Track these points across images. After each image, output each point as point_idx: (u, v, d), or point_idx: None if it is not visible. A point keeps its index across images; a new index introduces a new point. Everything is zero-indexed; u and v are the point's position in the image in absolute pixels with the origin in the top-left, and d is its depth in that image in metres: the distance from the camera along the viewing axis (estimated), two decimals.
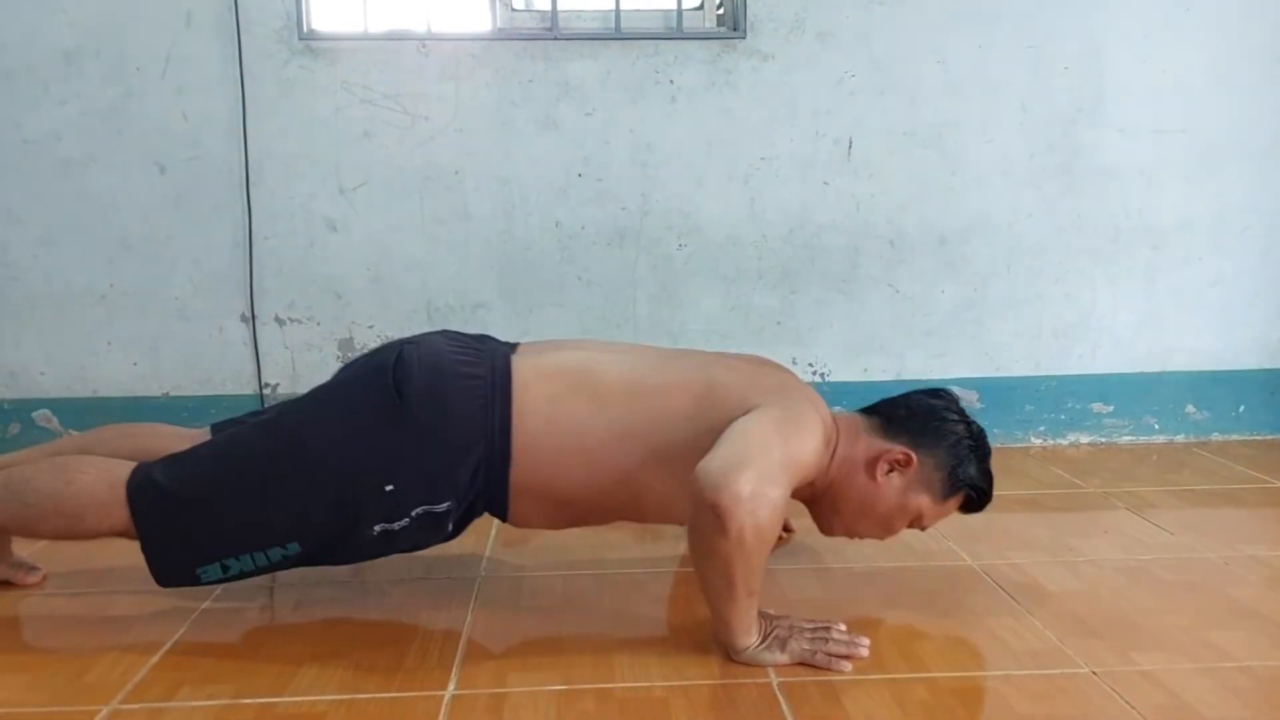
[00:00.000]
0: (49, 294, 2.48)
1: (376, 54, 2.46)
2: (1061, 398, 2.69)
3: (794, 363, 2.61)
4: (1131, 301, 2.67)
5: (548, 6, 2.50)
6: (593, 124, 2.51)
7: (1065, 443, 2.70)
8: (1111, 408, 2.70)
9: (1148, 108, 2.60)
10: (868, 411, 1.67)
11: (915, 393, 1.68)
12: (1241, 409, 2.73)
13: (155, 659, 1.47)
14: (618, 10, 2.48)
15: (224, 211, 2.48)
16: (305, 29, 2.44)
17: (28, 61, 2.41)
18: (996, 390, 2.66)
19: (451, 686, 1.38)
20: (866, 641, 1.46)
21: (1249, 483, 2.33)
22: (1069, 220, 2.63)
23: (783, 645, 1.43)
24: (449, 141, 2.50)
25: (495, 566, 1.84)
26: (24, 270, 2.47)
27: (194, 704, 1.34)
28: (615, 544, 1.95)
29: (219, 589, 1.70)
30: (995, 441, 2.60)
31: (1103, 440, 2.71)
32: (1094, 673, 1.41)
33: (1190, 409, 2.72)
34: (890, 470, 1.57)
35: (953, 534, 1.97)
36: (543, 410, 1.53)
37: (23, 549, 1.82)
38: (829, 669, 1.41)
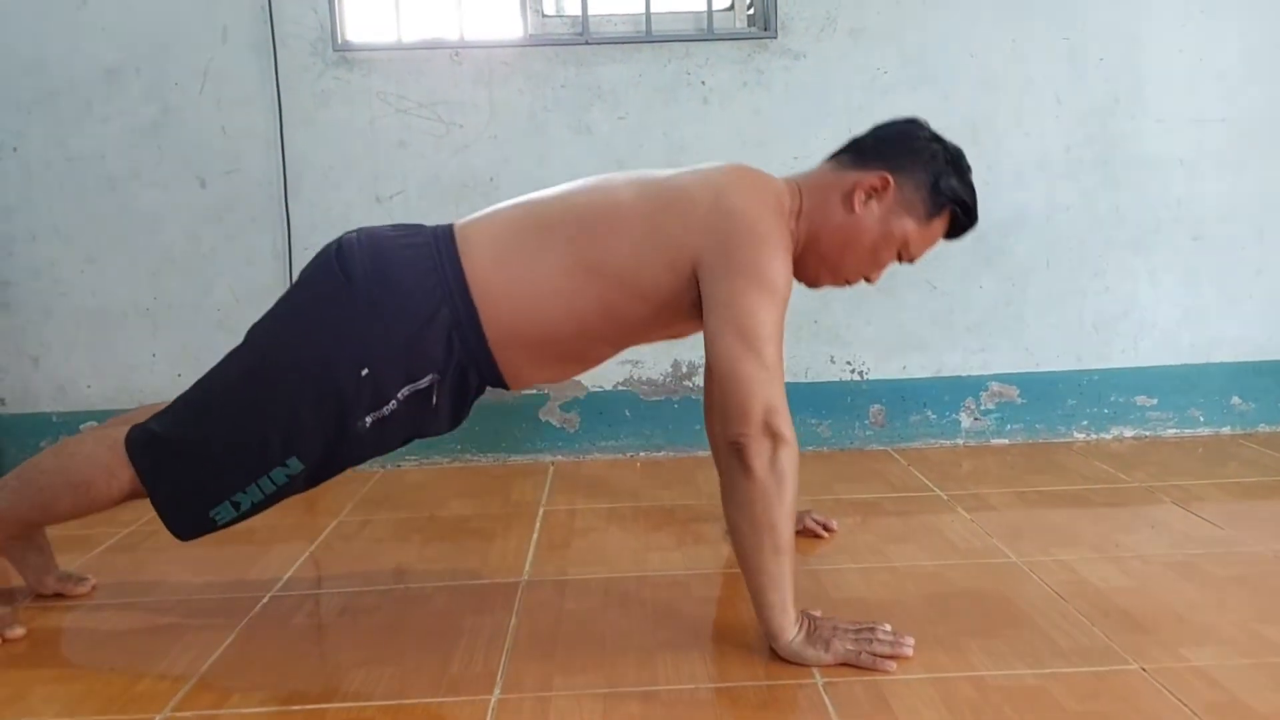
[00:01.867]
0: (95, 308, 2.53)
1: (410, 63, 2.49)
2: (1104, 391, 2.66)
3: (832, 361, 2.61)
4: (1173, 293, 2.64)
5: (578, 12, 2.51)
6: (626, 127, 2.52)
7: (1109, 437, 2.67)
8: (1155, 400, 2.67)
9: (1186, 97, 2.57)
10: (835, 153, 1.65)
11: (882, 123, 1.65)
12: None
13: (205, 667, 1.49)
14: (648, 13, 2.49)
15: (263, 223, 2.51)
16: (339, 41, 2.46)
17: (70, 80, 2.45)
18: (1038, 385, 2.64)
19: (497, 691, 1.39)
20: (911, 641, 1.45)
21: None
22: (1108, 212, 2.60)
23: (827, 645, 1.42)
24: (483, 148, 2.51)
25: (537, 570, 1.85)
26: (71, 286, 2.51)
27: (245, 711, 1.36)
28: (657, 546, 1.96)
29: (266, 597, 1.72)
30: (1038, 437, 2.63)
31: (1147, 434, 2.68)
32: (1144, 669, 1.39)
33: (1236, 400, 2.68)
34: (868, 198, 1.55)
35: (996, 531, 1.96)
36: (491, 256, 1.52)
37: (71, 561, 1.85)
38: (874, 669, 1.41)
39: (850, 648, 1.42)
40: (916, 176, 1.56)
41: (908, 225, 1.57)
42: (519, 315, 1.52)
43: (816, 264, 1.63)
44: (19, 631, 1.60)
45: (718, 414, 1.47)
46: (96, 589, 1.80)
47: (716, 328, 1.45)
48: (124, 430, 1.55)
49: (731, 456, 1.43)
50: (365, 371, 1.47)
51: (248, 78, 2.47)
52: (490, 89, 2.50)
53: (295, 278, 1.64)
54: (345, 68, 2.48)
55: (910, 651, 1.44)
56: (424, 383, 1.50)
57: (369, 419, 1.50)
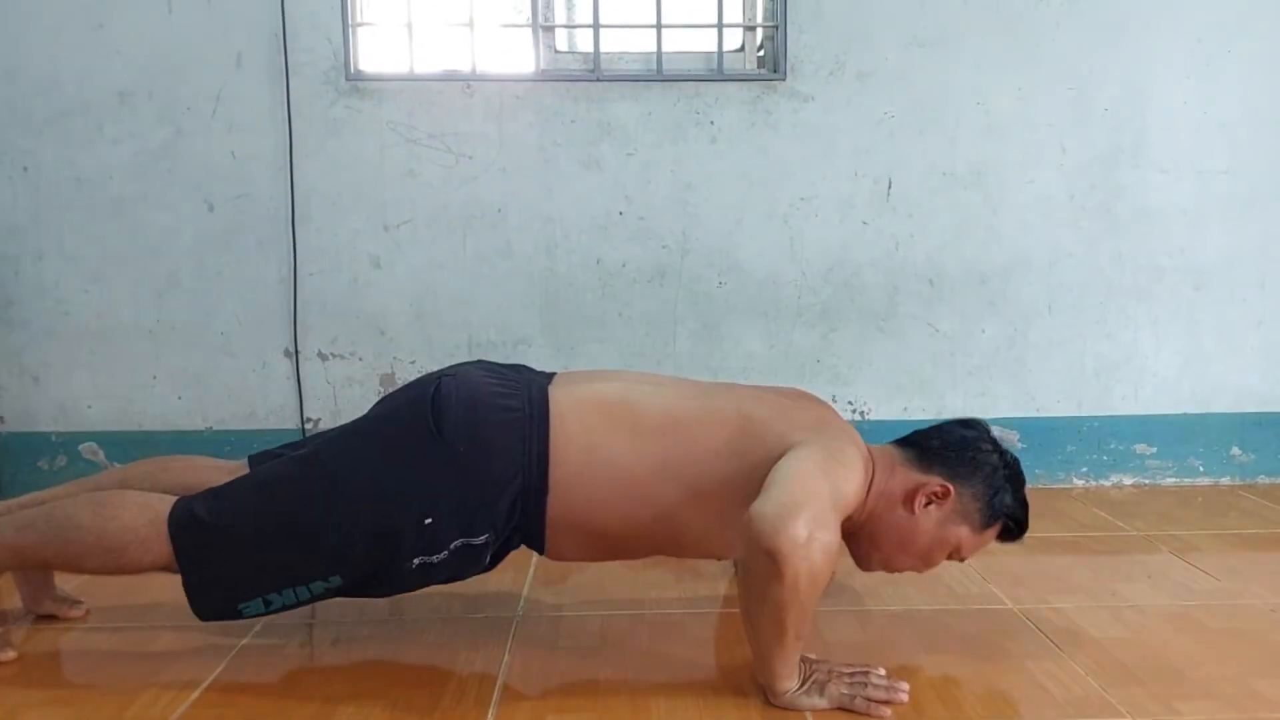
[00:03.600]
0: (98, 329, 2.53)
1: (422, 94, 2.50)
2: (1104, 438, 2.66)
3: (834, 400, 2.61)
4: (1175, 342, 2.65)
5: (590, 49, 2.54)
6: (634, 163, 2.54)
7: (1108, 484, 2.67)
8: (1155, 449, 2.67)
9: (1190, 148, 2.59)
10: (900, 443, 1.67)
11: (948, 423, 1.68)
12: None
13: (195, 695, 1.48)
14: (659, 52, 2.51)
15: (270, 248, 2.52)
16: (352, 70, 2.48)
17: (83, 101, 2.47)
18: (1038, 430, 2.64)
19: None
20: (906, 686, 1.45)
21: None
22: (1110, 260, 2.62)
23: (821, 690, 1.42)
24: (492, 180, 2.53)
25: (533, 605, 1.84)
26: (75, 306, 2.52)
27: None
28: (654, 583, 1.95)
29: (259, 624, 1.72)
30: (1036, 482, 2.62)
31: (1146, 482, 2.68)
32: None
33: (1236, 451, 2.68)
34: (929, 503, 1.56)
35: (993, 576, 1.96)
36: (580, 442, 1.53)
37: (66, 583, 1.85)
38: (868, 714, 1.40)
39: (845, 692, 1.42)
40: (975, 488, 1.58)
41: (963, 532, 1.59)
42: (590, 504, 1.54)
43: (869, 547, 1.63)
44: (10, 654, 1.60)
45: (759, 499, 1.39)
46: (90, 612, 1.80)
47: (796, 450, 1.48)
48: (167, 505, 1.52)
49: (760, 558, 1.33)
50: (429, 521, 1.48)
51: (260, 104, 2.49)
52: (500, 122, 2.52)
53: (376, 404, 1.67)
54: (357, 97, 2.50)
55: (905, 697, 1.43)
56: (479, 540, 1.51)
57: (417, 561, 1.50)
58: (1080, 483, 2.67)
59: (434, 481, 1.49)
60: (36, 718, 1.42)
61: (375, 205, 2.52)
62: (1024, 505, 1.61)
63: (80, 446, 2.54)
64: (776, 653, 1.40)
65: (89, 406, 2.55)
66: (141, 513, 1.52)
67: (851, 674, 1.45)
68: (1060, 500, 2.53)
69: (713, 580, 1.96)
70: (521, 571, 2.01)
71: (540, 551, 1.61)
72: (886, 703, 1.42)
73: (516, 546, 1.60)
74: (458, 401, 1.52)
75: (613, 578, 1.98)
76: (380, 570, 1.51)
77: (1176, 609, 1.80)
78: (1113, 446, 2.66)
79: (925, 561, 1.62)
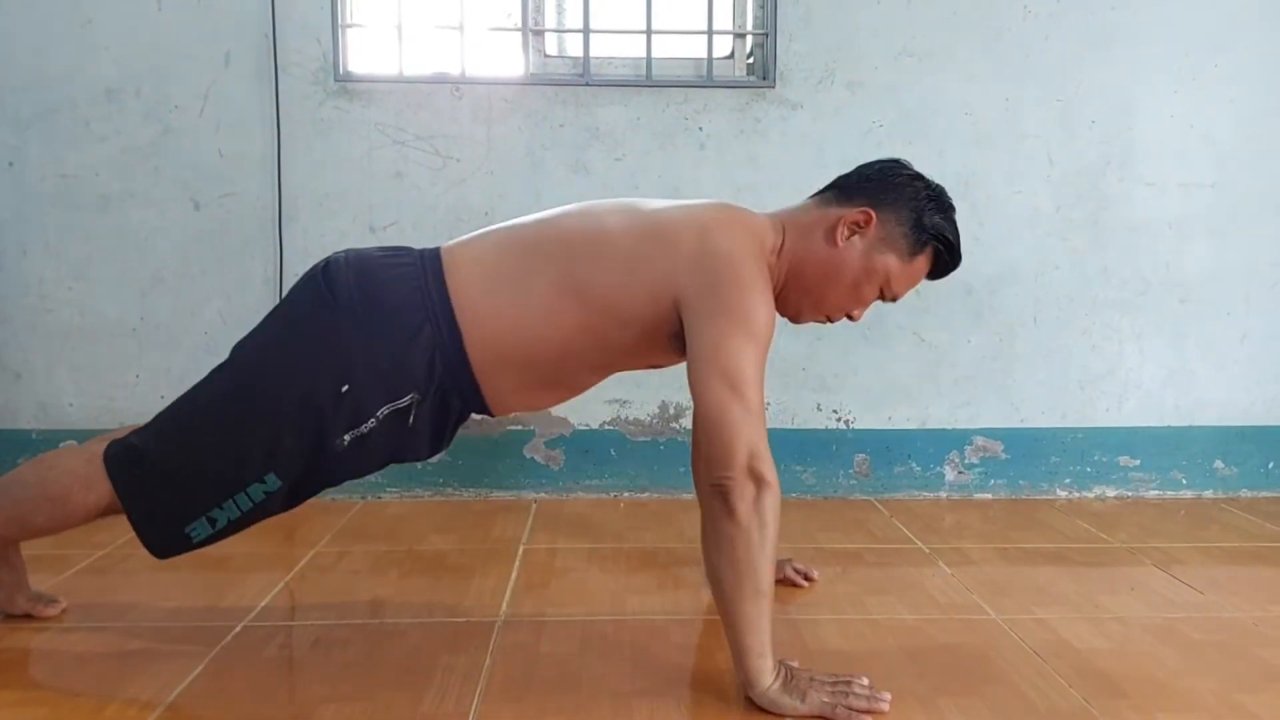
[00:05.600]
0: (81, 326, 2.51)
1: (410, 96, 2.50)
2: (1088, 450, 2.67)
3: (819, 409, 2.61)
4: (1159, 355, 2.66)
5: (580, 53, 2.53)
6: (622, 168, 2.53)
7: (1091, 496, 2.68)
8: (1138, 461, 2.68)
9: (1176, 161, 2.60)
10: (818, 192, 1.66)
11: (865, 163, 1.67)
12: (1271, 465, 2.70)
13: (172, 698, 1.47)
14: (649, 58, 2.51)
15: (256, 248, 2.51)
16: (341, 71, 2.48)
17: (70, 98, 2.46)
18: (1022, 441, 2.64)
19: None
20: (888, 696, 1.44)
21: (1279, 541, 2.30)
22: (1096, 272, 2.62)
23: (803, 695, 1.41)
24: (480, 183, 2.52)
25: (515, 609, 1.83)
26: (58, 303, 2.51)
27: None
28: (637, 589, 1.94)
29: (238, 626, 1.70)
30: (1021, 493, 2.63)
31: (1129, 494, 2.69)
32: None
33: (1219, 464, 2.69)
34: (851, 234, 1.56)
35: (976, 587, 1.95)
36: (476, 280, 1.53)
37: (42, 581, 1.83)
38: None
39: (826, 700, 1.41)
40: (899, 213, 1.57)
41: (890, 261, 1.58)
42: (503, 336, 1.53)
43: (799, 298, 1.64)
44: None
45: (701, 455, 1.46)
46: (67, 611, 1.78)
47: (701, 372, 1.45)
48: (103, 445, 1.55)
49: (713, 498, 1.41)
50: (345, 388, 1.48)
51: (248, 103, 2.48)
52: (489, 125, 2.51)
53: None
54: (345, 98, 2.49)
55: (886, 706, 1.43)
56: (403, 402, 1.51)
57: (348, 437, 1.50)
58: (1064, 494, 2.68)
59: (341, 348, 1.49)
60: (9, 718, 1.40)
61: (362, 207, 2.51)
62: (953, 226, 1.60)
63: (61, 445, 2.52)
64: (745, 610, 1.40)
65: (70, 404, 2.53)
66: (78, 454, 1.56)
67: (833, 683, 1.44)
68: (1043, 511, 2.53)
69: (695, 587, 1.95)
70: (503, 577, 2.00)
71: (483, 409, 1.60)
72: (868, 712, 1.41)
73: (458, 412, 1.59)
74: (347, 268, 1.54)
75: (595, 583, 1.97)
76: (313, 455, 1.51)
77: (1159, 621, 1.80)
78: (1096, 458, 2.67)
79: (855, 297, 1.62)
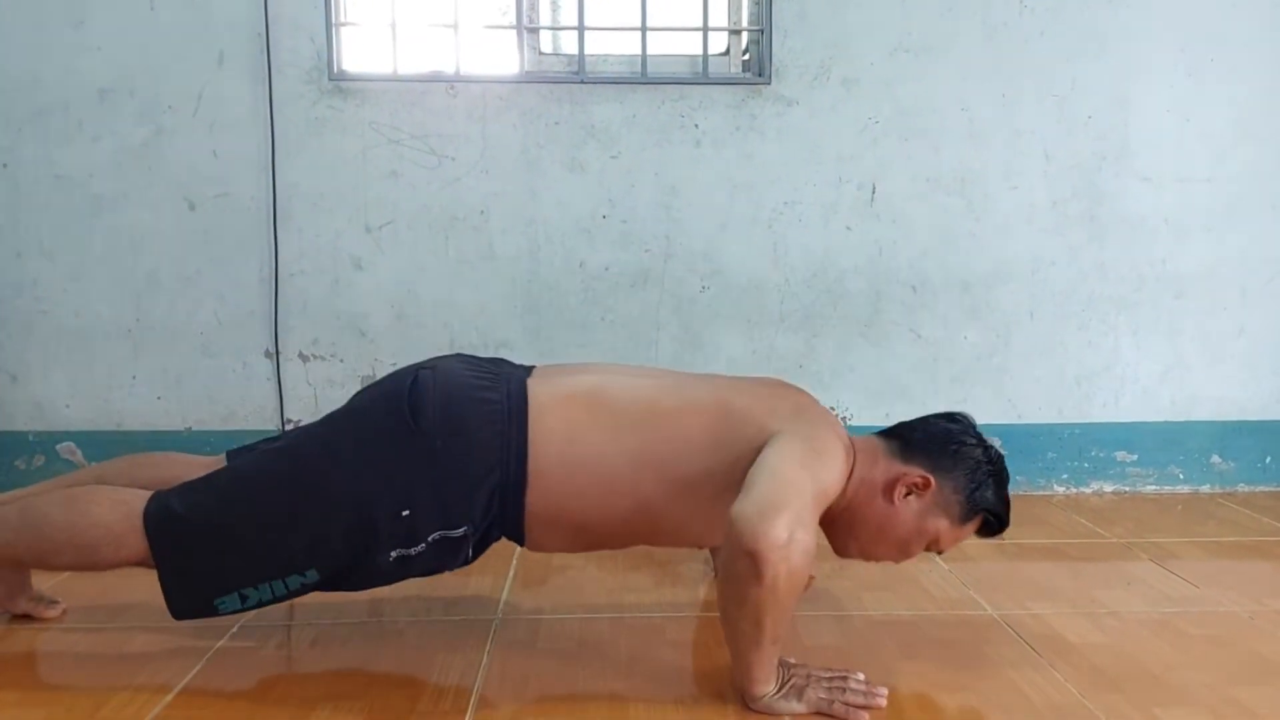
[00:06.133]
0: (77, 327, 2.51)
1: (405, 95, 2.50)
2: (1085, 445, 2.67)
3: None
4: (1156, 350, 2.66)
5: (575, 51, 2.53)
6: (618, 166, 2.53)
7: (1088, 491, 2.68)
8: (1135, 456, 2.68)
9: (1172, 157, 2.60)
10: (884, 435, 1.65)
11: (932, 416, 1.66)
12: (1268, 460, 2.70)
13: (169, 698, 1.47)
14: (644, 55, 2.51)
15: (251, 248, 2.51)
16: (335, 70, 2.47)
17: (63, 99, 2.45)
18: (1019, 437, 2.64)
19: None
20: (885, 691, 1.45)
21: (1276, 535, 2.30)
22: (1092, 268, 2.62)
23: (800, 694, 1.42)
24: (475, 182, 2.52)
25: (512, 608, 1.84)
26: (53, 304, 2.50)
27: None
28: (634, 587, 1.94)
29: (235, 625, 1.70)
30: (1018, 489, 2.62)
31: (1126, 489, 2.69)
32: None
33: (1216, 459, 2.69)
34: (908, 494, 1.56)
35: (973, 582, 1.96)
36: (559, 435, 1.52)
37: (43, 582, 1.83)
38: (847, 719, 1.40)
39: (823, 696, 1.41)
40: (956, 480, 1.56)
41: (942, 525, 1.57)
42: (567, 501, 1.53)
43: (846, 535, 1.62)
44: None
45: (743, 514, 1.33)
46: (66, 613, 1.78)
47: (782, 440, 1.47)
48: (141, 500, 1.51)
49: (742, 559, 1.31)
50: (406, 514, 1.47)
51: (242, 103, 2.47)
52: (484, 123, 2.51)
53: (353, 397, 1.65)
54: (340, 97, 2.48)
55: (883, 702, 1.43)
56: (457, 533, 1.50)
57: (395, 554, 1.49)
58: (1061, 489, 2.68)
59: (411, 474, 1.47)
60: (9, 718, 1.40)
61: (357, 206, 2.51)
62: (1005, 502, 1.60)
63: (58, 446, 2.52)
64: (754, 654, 1.39)
65: (67, 406, 2.53)
66: (115, 508, 1.50)
67: (830, 679, 1.45)
68: (1040, 507, 2.53)
69: (692, 584, 1.95)
70: (501, 574, 2.00)
71: (520, 544, 1.59)
72: (865, 708, 1.41)
73: (497, 539, 1.58)
74: (435, 393, 1.51)
75: (592, 581, 1.97)
76: (357, 563, 1.49)
77: (1156, 616, 1.81)
78: (1093, 454, 2.67)
79: (902, 552, 1.61)
